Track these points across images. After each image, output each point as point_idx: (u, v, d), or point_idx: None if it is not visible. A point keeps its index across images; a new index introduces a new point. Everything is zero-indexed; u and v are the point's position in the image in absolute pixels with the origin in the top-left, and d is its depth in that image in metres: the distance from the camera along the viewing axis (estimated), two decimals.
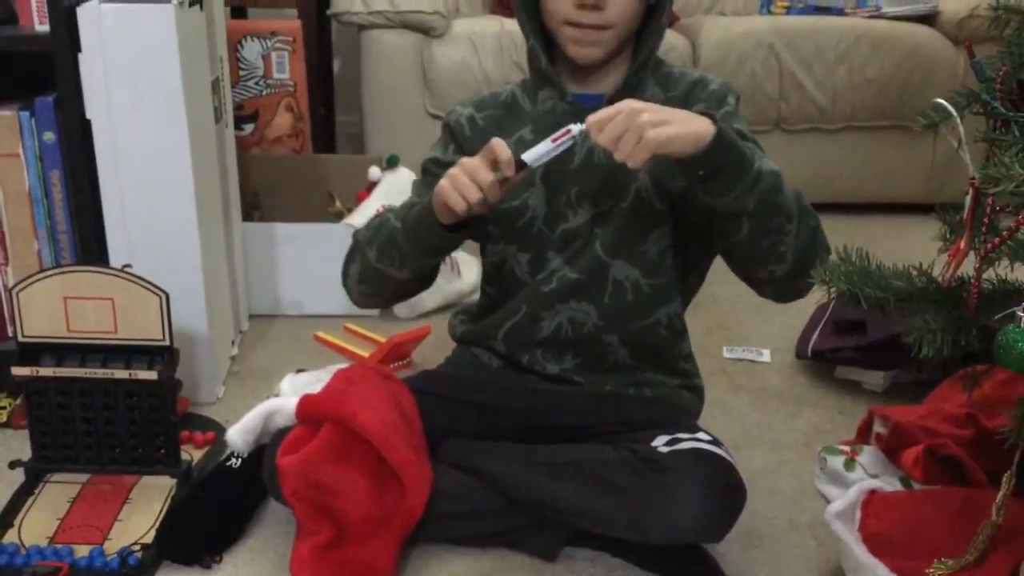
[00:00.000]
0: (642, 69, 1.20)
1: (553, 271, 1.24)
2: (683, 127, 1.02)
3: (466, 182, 1.07)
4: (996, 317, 0.81)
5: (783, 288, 1.19)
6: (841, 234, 1.16)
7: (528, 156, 1.07)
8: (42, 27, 1.49)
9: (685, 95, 1.22)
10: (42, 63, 1.48)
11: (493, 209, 1.12)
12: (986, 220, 0.90)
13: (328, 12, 2.71)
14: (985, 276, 0.94)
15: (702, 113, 1.06)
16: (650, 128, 1.00)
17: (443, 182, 1.09)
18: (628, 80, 1.20)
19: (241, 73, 2.28)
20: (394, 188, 2.08)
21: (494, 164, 1.07)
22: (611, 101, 1.16)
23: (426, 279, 1.32)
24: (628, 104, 1.03)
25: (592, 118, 1.04)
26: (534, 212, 1.24)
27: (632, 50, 1.22)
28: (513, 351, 1.29)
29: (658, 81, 1.24)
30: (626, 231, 1.22)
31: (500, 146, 1.07)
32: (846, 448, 1.41)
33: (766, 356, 1.89)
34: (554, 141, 1.06)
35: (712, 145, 1.03)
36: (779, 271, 1.15)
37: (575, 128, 1.05)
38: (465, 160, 1.09)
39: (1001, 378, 1.28)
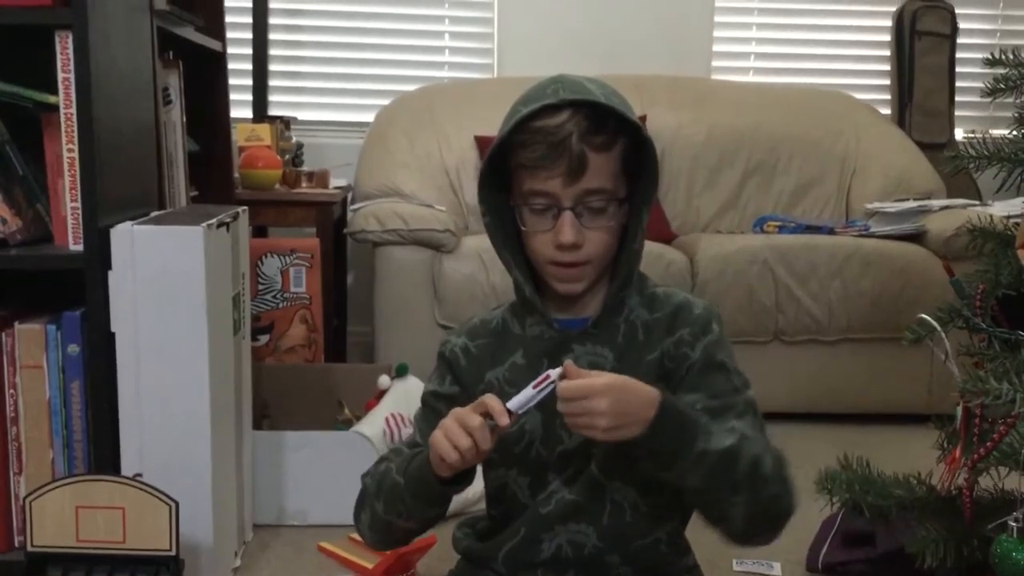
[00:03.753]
0: (622, 290, 1.26)
1: (552, 492, 1.26)
2: (636, 430, 1.08)
3: (456, 429, 1.10)
4: (990, 527, 0.82)
5: (739, 541, 1.22)
6: (842, 444, 1.18)
7: (513, 405, 1.10)
8: (76, 247, 1.57)
9: (670, 318, 1.27)
10: (72, 278, 1.56)
11: (487, 457, 1.15)
12: (976, 431, 0.93)
13: (345, 231, 2.85)
14: (984, 486, 0.96)
15: (660, 388, 1.11)
16: (601, 434, 1.07)
17: (436, 433, 1.13)
18: (609, 302, 1.26)
19: (260, 287, 2.38)
20: (403, 396, 2.11)
21: (487, 416, 1.11)
22: (595, 324, 1.22)
23: (438, 519, 1.33)
24: (598, 397, 1.07)
25: (564, 388, 1.08)
26: (532, 436, 1.26)
27: (611, 273, 1.29)
28: (514, 572, 1.28)
29: (643, 302, 1.28)
30: (620, 451, 1.24)
31: (492, 400, 1.11)
32: None
33: (777, 569, 1.85)
34: (535, 388, 1.10)
35: (651, 430, 1.08)
36: (730, 529, 1.18)
37: (554, 373, 1.09)
38: (456, 409, 1.14)
39: None
